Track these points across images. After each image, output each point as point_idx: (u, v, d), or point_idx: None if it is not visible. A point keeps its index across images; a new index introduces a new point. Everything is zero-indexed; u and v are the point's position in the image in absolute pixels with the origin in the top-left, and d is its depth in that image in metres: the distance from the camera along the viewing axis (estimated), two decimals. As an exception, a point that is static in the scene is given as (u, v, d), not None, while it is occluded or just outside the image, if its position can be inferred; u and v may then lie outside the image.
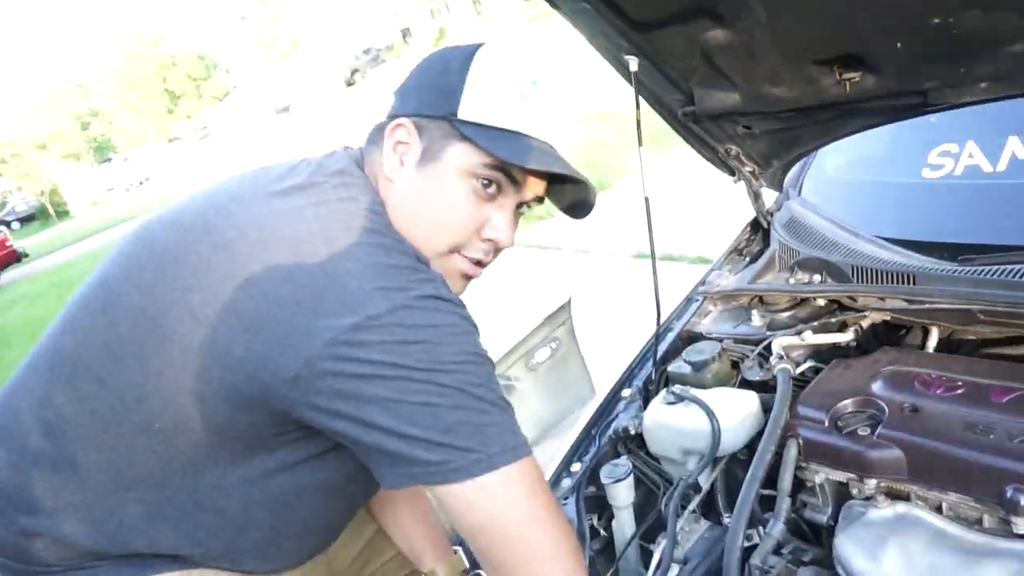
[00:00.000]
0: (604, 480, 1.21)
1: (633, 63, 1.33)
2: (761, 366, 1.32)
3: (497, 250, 1.06)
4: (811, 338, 1.33)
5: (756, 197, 1.71)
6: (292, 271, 0.86)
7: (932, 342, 1.27)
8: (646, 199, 1.37)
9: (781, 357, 1.27)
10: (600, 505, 1.31)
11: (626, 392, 1.48)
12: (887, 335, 1.35)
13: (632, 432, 1.36)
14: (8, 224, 31.13)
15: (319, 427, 0.88)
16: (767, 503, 1.07)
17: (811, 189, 1.72)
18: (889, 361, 1.16)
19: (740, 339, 1.45)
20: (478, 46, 1.02)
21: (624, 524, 1.22)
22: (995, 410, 0.98)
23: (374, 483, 0.91)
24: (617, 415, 1.44)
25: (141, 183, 39.83)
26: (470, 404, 0.86)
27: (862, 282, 1.36)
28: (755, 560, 0.99)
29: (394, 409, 0.83)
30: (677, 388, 1.28)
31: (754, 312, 1.49)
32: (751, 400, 1.22)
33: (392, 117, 1.03)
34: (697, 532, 1.15)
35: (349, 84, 36.04)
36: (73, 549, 0.96)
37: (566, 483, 1.34)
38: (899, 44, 1.09)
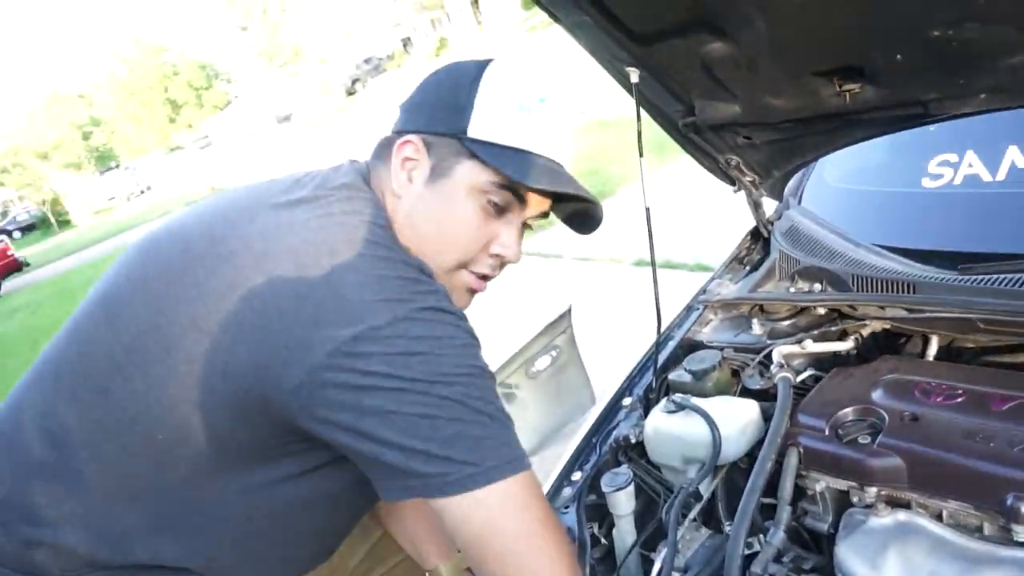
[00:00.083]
0: (605, 488, 1.21)
1: (634, 75, 1.34)
2: (762, 375, 1.33)
3: (503, 265, 1.07)
4: (811, 347, 1.33)
5: (756, 206, 1.72)
6: (294, 282, 0.87)
7: (932, 351, 1.27)
8: (647, 208, 1.38)
9: (782, 366, 1.28)
10: (601, 513, 1.31)
11: (627, 401, 1.48)
12: (887, 344, 1.36)
13: (633, 440, 1.36)
14: (9, 233, 31.22)
15: (320, 438, 0.88)
16: (768, 511, 1.07)
17: (811, 198, 1.73)
18: (889, 370, 1.17)
19: (741, 348, 1.45)
20: (487, 62, 1.02)
21: (625, 532, 1.22)
22: (995, 418, 0.98)
23: (377, 492, 0.91)
24: (618, 423, 1.44)
25: (143, 192, 39.91)
26: (469, 417, 0.86)
27: (862, 291, 1.36)
28: (756, 568, 0.98)
29: (393, 421, 0.84)
30: (678, 397, 1.28)
31: (755, 321, 1.50)
32: (752, 409, 1.22)
33: (399, 132, 1.04)
34: (698, 540, 1.15)
35: (350, 93, 36.15)
36: (76, 559, 0.96)
37: (567, 491, 1.34)
38: (899, 56, 1.09)
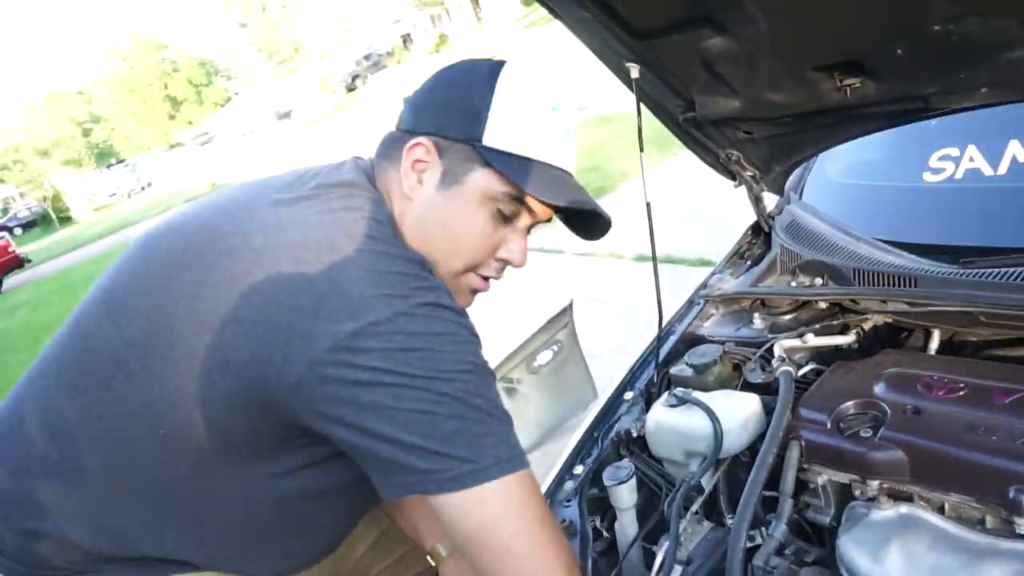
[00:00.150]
0: (607, 482, 1.22)
1: (634, 70, 1.34)
2: (763, 369, 1.33)
3: (505, 267, 1.08)
4: (813, 341, 1.33)
5: (757, 201, 1.72)
6: (294, 277, 0.87)
7: (934, 344, 1.27)
8: (647, 204, 1.38)
9: (783, 360, 1.28)
10: (603, 507, 1.31)
11: (628, 395, 1.48)
12: (889, 337, 1.36)
13: (634, 434, 1.37)
14: (10, 230, 31.23)
15: (320, 433, 0.88)
16: (769, 504, 1.08)
17: (812, 193, 1.73)
18: (891, 363, 1.17)
19: (742, 342, 1.45)
20: (501, 64, 1.02)
21: (627, 526, 1.22)
22: (997, 411, 0.98)
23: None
24: (619, 418, 1.44)
25: (143, 188, 39.89)
26: (467, 414, 0.86)
27: (864, 285, 1.36)
28: (758, 561, 0.99)
29: (391, 416, 0.84)
30: (679, 391, 1.28)
31: (756, 315, 1.50)
32: (753, 402, 1.22)
33: (409, 132, 1.03)
34: (700, 533, 1.15)
35: (350, 90, 36.09)
36: (78, 552, 0.97)
37: (569, 485, 1.34)
38: (899, 51, 1.09)
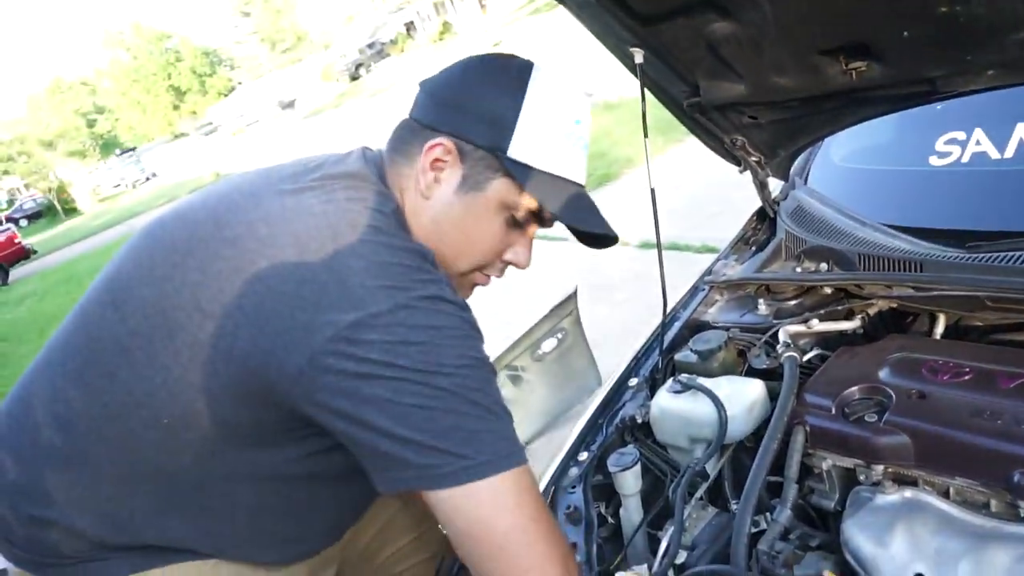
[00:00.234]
0: (611, 468, 1.22)
1: (638, 55, 1.33)
2: (768, 354, 1.33)
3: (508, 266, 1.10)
4: (818, 326, 1.33)
5: (762, 186, 1.71)
6: (298, 267, 0.87)
7: (939, 329, 1.27)
8: (652, 189, 1.38)
9: (788, 345, 1.28)
10: (608, 493, 1.31)
11: (633, 381, 1.48)
12: (894, 322, 1.36)
13: (639, 421, 1.37)
14: (16, 221, 31.27)
15: (321, 424, 0.88)
16: (774, 490, 1.08)
17: (818, 178, 1.72)
18: (896, 348, 1.16)
19: (747, 328, 1.45)
20: (530, 68, 1.00)
21: (632, 511, 1.22)
22: (1002, 396, 0.98)
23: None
24: (624, 404, 1.44)
25: (148, 179, 39.93)
26: (466, 409, 0.86)
27: (869, 270, 1.36)
28: (762, 546, 0.99)
29: (389, 410, 0.84)
30: (684, 377, 1.28)
31: (761, 301, 1.49)
32: (758, 388, 1.22)
33: (431, 129, 1.00)
34: (704, 519, 1.15)
35: (354, 78, 36.04)
36: (84, 540, 0.98)
37: (573, 471, 1.34)
38: (905, 33, 1.08)
